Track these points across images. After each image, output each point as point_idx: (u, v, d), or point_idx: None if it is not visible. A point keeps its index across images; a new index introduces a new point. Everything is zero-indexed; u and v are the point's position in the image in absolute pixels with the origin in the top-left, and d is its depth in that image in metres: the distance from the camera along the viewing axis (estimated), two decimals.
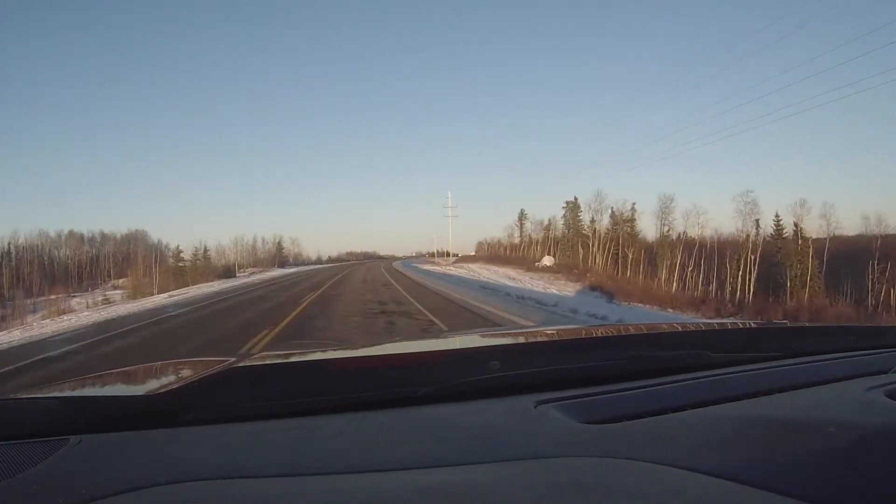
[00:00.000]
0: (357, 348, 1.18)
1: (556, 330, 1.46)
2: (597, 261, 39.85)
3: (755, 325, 1.48)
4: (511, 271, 32.27)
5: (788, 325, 1.43)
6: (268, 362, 0.94)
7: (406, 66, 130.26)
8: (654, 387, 0.74)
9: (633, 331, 1.21)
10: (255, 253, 73.85)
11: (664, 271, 35.95)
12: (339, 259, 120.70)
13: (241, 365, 0.79)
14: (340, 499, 0.45)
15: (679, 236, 37.30)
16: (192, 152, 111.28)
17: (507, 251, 58.07)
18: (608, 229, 42.65)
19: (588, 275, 30.62)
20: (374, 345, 1.37)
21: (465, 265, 40.02)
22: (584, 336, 1.22)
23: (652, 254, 37.80)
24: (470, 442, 0.57)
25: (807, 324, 2.19)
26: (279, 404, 0.68)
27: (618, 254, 39.50)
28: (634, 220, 41.92)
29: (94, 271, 64.40)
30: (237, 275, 46.07)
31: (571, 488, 0.46)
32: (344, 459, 0.53)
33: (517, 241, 61.13)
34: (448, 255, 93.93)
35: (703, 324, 1.81)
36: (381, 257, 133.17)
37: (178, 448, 0.57)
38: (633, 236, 41.12)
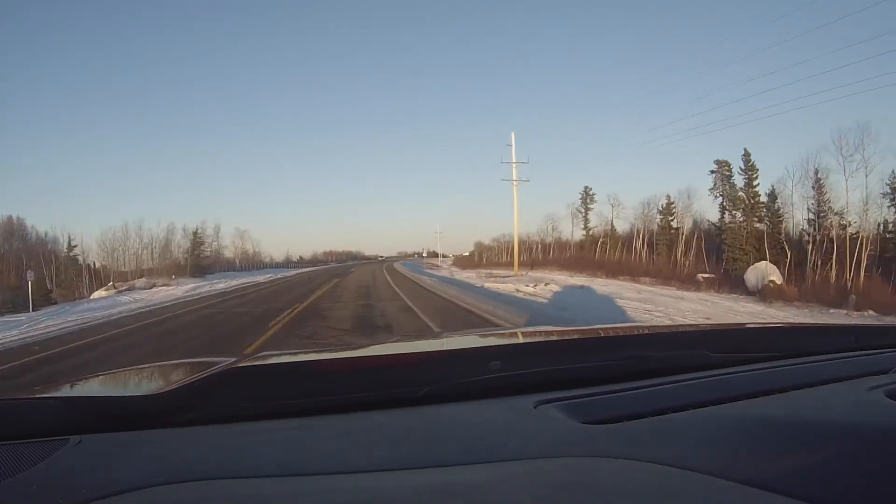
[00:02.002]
0: (357, 349, 1.16)
1: (557, 330, 1.45)
2: (845, 272, 19.79)
3: (755, 326, 1.52)
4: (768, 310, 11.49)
5: (788, 325, 1.49)
6: (268, 362, 0.94)
7: (401, 55, 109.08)
8: (654, 387, 0.74)
9: (633, 331, 1.19)
10: (170, 251, 40.97)
11: None
12: (314, 260, 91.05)
13: (241, 365, 0.79)
14: (340, 499, 0.45)
15: None
16: (136, 125, 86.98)
17: (558, 252, 37.40)
18: (816, 210, 22.24)
19: None
20: (374, 345, 1.39)
21: (543, 275, 19.85)
22: (584, 336, 1.21)
23: None
24: (470, 442, 0.58)
25: (807, 323, 2.14)
26: (279, 404, 0.68)
27: (887, 257, 19.35)
28: None
29: None
30: (34, 310, 15.82)
31: (572, 488, 0.46)
32: (344, 459, 0.54)
33: (569, 236, 40.30)
34: (440, 255, 71.94)
35: (703, 324, 1.84)
36: (366, 258, 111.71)
37: (177, 448, 0.58)
38: None
